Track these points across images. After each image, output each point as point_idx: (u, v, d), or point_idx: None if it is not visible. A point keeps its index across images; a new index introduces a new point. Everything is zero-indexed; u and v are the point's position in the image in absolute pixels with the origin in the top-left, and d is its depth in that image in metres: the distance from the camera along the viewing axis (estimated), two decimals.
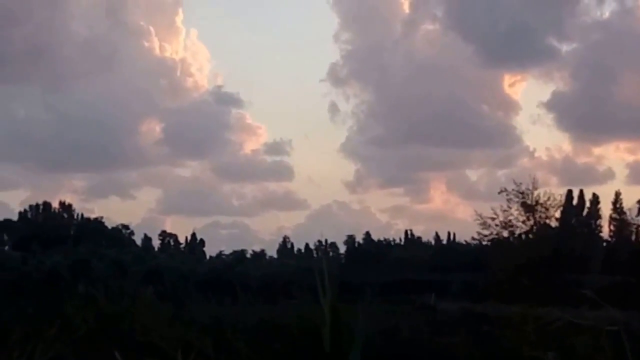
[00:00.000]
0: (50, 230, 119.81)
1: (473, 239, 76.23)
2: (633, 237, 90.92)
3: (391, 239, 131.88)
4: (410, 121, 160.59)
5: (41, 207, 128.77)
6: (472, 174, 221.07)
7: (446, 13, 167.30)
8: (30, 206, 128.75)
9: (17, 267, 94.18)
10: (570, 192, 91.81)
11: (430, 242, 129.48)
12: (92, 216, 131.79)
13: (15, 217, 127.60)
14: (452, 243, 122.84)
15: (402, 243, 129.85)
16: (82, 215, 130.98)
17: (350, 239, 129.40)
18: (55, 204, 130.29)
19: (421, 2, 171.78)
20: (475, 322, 41.28)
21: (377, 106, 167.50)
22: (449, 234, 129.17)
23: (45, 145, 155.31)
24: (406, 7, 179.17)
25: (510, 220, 68.10)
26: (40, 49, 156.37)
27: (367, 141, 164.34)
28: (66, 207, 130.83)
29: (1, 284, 75.83)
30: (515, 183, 67.35)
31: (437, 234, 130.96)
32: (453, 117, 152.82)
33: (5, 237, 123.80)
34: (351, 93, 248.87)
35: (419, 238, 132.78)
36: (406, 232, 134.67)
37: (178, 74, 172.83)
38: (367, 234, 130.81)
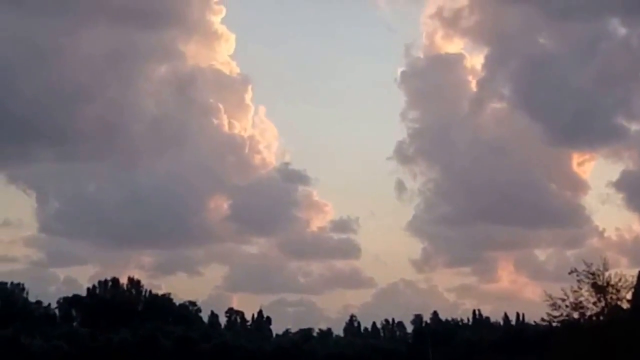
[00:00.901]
0: (118, 306, 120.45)
1: (542, 320, 75.02)
2: None
3: (459, 318, 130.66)
4: (477, 200, 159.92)
5: (110, 283, 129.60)
6: (541, 254, 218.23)
7: (513, 92, 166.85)
8: (99, 282, 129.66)
9: (85, 343, 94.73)
10: None
11: (499, 323, 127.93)
12: (160, 292, 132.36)
13: (84, 293, 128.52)
14: (521, 324, 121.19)
15: (470, 323, 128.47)
16: (149, 291, 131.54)
17: (418, 319, 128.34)
18: (123, 280, 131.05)
19: (488, 81, 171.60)
20: None
21: (444, 184, 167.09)
22: (517, 314, 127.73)
23: (114, 222, 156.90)
24: (473, 86, 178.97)
25: (580, 302, 66.83)
26: (111, 126, 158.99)
27: (434, 219, 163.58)
28: (134, 283, 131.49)
29: (70, 359, 76.22)
30: (585, 263, 66.13)
31: (505, 314, 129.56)
32: (521, 196, 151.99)
33: (74, 313, 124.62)
34: (418, 171, 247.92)
35: (487, 318, 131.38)
36: (474, 311, 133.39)
37: (246, 151, 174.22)
38: (435, 313, 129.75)
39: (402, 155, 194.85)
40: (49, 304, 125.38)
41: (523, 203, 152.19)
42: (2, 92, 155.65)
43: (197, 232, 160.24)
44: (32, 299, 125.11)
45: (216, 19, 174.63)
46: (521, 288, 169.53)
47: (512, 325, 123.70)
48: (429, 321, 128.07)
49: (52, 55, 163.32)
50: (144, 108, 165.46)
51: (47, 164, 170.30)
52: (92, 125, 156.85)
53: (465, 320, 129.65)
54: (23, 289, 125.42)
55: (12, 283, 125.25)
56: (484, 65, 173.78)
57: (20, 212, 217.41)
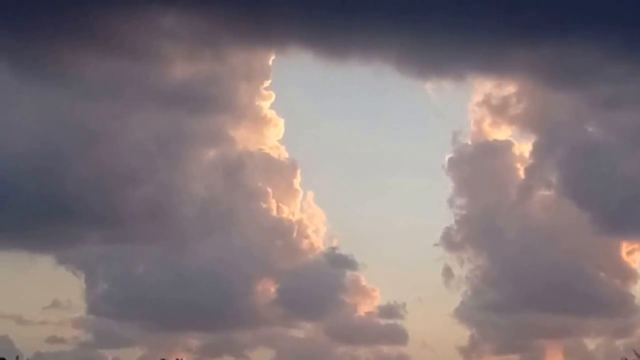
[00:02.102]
0: None
1: None
2: None
3: None
4: (525, 287, 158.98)
5: None
6: (590, 343, 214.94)
7: (561, 179, 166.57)
8: None
9: None
10: None
11: None
12: None
13: None
14: None
15: None
16: None
17: None
18: None
19: (536, 168, 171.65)
20: None
21: (491, 271, 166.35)
22: None
23: (162, 304, 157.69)
24: (521, 173, 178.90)
25: None
26: (160, 209, 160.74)
27: (481, 306, 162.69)
28: None
29: None
30: (635, 353, 66.55)
31: None
32: (569, 284, 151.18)
33: None
34: (465, 257, 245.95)
35: None
36: None
37: (294, 235, 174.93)
38: None
39: (449, 241, 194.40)
40: None
41: (572, 291, 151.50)
42: (53, 174, 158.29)
43: (244, 316, 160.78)
44: None
45: (265, 104, 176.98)
46: None
47: None
48: None
49: (102, 139, 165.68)
50: (192, 192, 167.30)
51: (96, 246, 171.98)
52: (141, 208, 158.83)
53: None
54: None
55: None
56: (532, 153, 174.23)
57: (69, 293, 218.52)
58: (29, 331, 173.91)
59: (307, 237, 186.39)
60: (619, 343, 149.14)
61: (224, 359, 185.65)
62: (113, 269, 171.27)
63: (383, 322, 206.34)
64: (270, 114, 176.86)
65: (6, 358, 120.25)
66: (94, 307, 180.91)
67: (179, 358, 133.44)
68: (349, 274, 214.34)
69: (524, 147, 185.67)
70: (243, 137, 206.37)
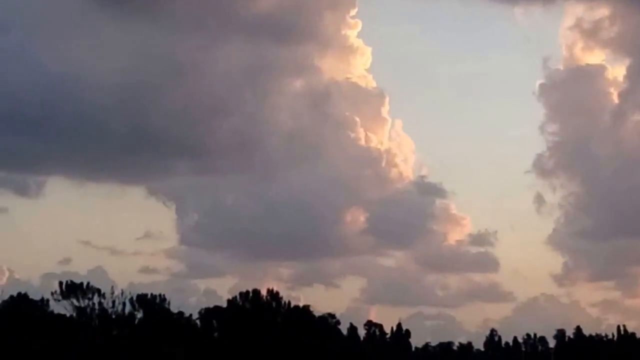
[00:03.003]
0: (258, 317, 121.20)
1: None
2: None
3: (603, 334, 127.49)
4: (619, 213, 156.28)
5: (250, 294, 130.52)
6: None
7: None
8: (240, 293, 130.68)
9: (226, 353, 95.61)
10: None
11: None
12: (299, 304, 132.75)
13: (223, 304, 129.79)
14: None
15: (614, 339, 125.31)
16: (289, 303, 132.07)
17: (560, 334, 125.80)
18: (263, 292, 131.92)
19: (630, 92, 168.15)
20: None
21: (585, 198, 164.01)
22: None
23: (252, 234, 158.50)
24: (615, 97, 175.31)
25: None
26: (248, 140, 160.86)
27: (575, 233, 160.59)
28: (274, 295, 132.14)
29: None
30: None
31: None
32: None
33: (215, 324, 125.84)
34: (558, 184, 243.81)
35: (633, 334, 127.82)
36: (618, 327, 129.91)
37: (383, 164, 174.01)
38: (578, 328, 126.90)
39: (541, 168, 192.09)
40: (191, 315, 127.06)
41: None
42: (142, 107, 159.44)
43: (334, 245, 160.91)
44: (173, 309, 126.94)
45: (352, 33, 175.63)
46: None
47: None
48: (572, 336, 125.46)
49: (190, 71, 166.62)
50: (280, 122, 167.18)
51: (186, 177, 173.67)
52: (229, 139, 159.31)
53: (610, 336, 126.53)
54: (165, 299, 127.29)
55: (152, 294, 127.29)
56: (626, 77, 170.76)
57: (161, 224, 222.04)
58: (123, 262, 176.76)
59: (395, 165, 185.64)
60: None
61: (315, 287, 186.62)
62: (203, 200, 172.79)
63: (474, 250, 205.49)
64: (357, 42, 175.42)
65: (101, 289, 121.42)
66: (186, 238, 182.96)
67: (270, 287, 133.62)
68: (438, 202, 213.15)
69: (617, 71, 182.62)
70: (330, 67, 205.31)
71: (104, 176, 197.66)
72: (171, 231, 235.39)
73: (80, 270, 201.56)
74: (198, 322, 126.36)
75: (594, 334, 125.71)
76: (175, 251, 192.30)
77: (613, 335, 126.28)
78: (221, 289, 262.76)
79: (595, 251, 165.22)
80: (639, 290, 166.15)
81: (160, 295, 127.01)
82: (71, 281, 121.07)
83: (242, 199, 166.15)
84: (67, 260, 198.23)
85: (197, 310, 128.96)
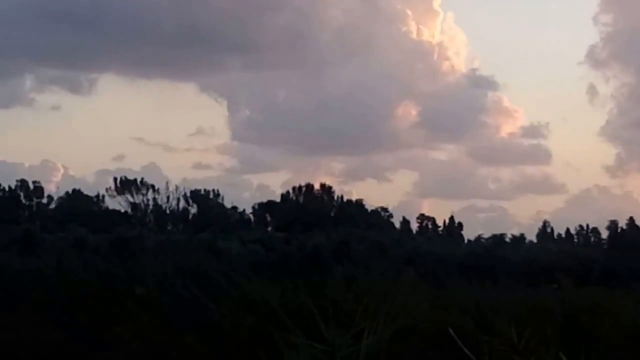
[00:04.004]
0: (311, 211, 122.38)
1: None
2: None
3: None
4: None
5: (303, 189, 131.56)
6: None
7: None
8: (293, 188, 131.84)
9: (280, 247, 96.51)
10: None
11: None
12: (351, 198, 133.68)
13: (276, 199, 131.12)
14: None
15: None
16: (341, 197, 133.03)
17: (613, 225, 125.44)
18: (316, 186, 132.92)
19: None
20: None
21: (638, 88, 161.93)
22: None
23: (304, 129, 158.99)
24: None
25: None
26: (298, 35, 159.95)
27: (628, 124, 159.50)
28: (326, 189, 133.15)
29: (266, 263, 77.58)
30: None
31: None
32: None
33: (269, 218, 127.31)
34: (611, 75, 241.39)
35: None
36: None
37: (435, 57, 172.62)
38: (631, 219, 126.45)
39: (594, 59, 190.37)
40: (244, 210, 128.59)
41: None
42: (192, 3, 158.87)
43: (385, 139, 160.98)
44: (227, 204, 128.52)
45: None
46: None
47: None
48: (624, 227, 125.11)
49: None
50: (330, 17, 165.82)
51: (237, 73, 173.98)
52: (279, 34, 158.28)
53: None
54: (218, 194, 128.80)
55: (206, 190, 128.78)
56: None
57: (212, 120, 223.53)
58: (175, 158, 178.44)
59: (447, 59, 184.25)
60: None
61: (367, 182, 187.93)
62: (254, 95, 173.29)
63: (526, 142, 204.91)
64: None
65: (155, 184, 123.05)
66: (238, 134, 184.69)
67: (323, 182, 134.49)
68: (490, 94, 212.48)
69: None
70: None
71: (155, 73, 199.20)
72: (223, 127, 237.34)
73: (133, 166, 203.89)
74: (252, 216, 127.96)
75: None
76: (227, 147, 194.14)
77: None
78: (274, 184, 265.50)
79: None
80: None
81: (213, 190, 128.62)
82: (125, 177, 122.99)
83: (294, 94, 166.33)
84: (120, 157, 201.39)
85: (251, 205, 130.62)
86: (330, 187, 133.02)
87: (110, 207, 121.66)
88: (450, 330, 3.48)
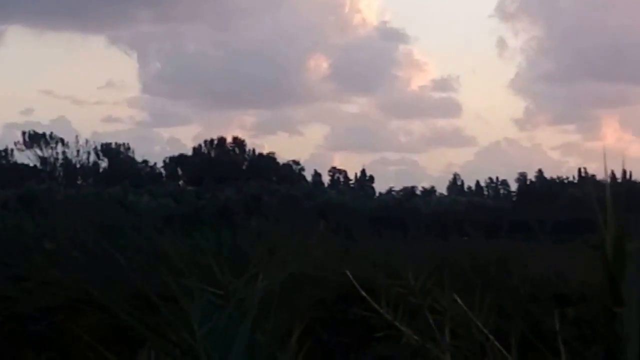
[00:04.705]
0: (223, 165, 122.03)
1: None
2: None
3: (564, 176, 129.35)
4: (581, 56, 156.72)
5: (215, 142, 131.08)
6: None
7: None
8: (205, 141, 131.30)
9: (191, 201, 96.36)
10: None
11: (605, 180, 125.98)
12: (263, 152, 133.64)
13: (187, 152, 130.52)
14: (627, 181, 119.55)
15: (575, 181, 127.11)
16: (253, 150, 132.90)
17: (522, 177, 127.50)
18: (229, 140, 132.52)
19: None
20: None
21: (547, 41, 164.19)
22: (624, 172, 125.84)
23: (214, 82, 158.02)
24: None
25: None
26: None
27: (536, 77, 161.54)
28: (239, 143, 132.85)
29: (177, 217, 77.24)
30: None
31: (612, 172, 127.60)
32: (627, 50, 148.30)
33: (180, 172, 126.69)
34: (520, 28, 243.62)
35: (593, 176, 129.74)
36: (579, 170, 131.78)
37: (346, 10, 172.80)
38: (540, 171, 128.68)
39: (503, 12, 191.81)
40: (155, 164, 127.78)
41: (629, 58, 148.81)
42: None
43: (296, 92, 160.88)
44: (137, 158, 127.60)
45: None
46: (627, 146, 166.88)
47: (619, 183, 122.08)
48: (533, 179, 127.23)
49: None
50: None
51: (146, 25, 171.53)
52: None
53: (571, 178, 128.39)
54: (129, 148, 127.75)
55: (117, 143, 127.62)
56: None
57: (122, 74, 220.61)
58: (85, 112, 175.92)
59: (359, 11, 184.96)
60: None
61: (278, 135, 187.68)
62: (165, 48, 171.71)
63: (437, 95, 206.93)
64: None
65: (64, 138, 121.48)
66: (148, 87, 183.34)
67: (236, 136, 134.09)
68: (401, 47, 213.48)
69: None
70: None
71: (63, 25, 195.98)
72: (133, 80, 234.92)
73: (42, 120, 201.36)
74: (163, 170, 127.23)
75: (555, 176, 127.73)
76: (138, 100, 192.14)
77: (574, 177, 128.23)
78: (185, 137, 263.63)
79: (557, 95, 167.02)
80: (599, 133, 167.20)
81: (124, 144, 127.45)
82: (34, 131, 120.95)
83: (204, 47, 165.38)
84: (29, 111, 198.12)
85: (162, 159, 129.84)
86: (242, 141, 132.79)
87: (19, 162, 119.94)
88: (348, 273, 3.52)
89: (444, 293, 2.77)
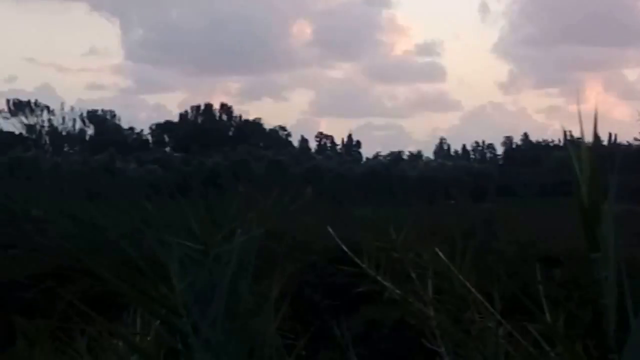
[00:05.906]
0: (209, 131, 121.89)
1: (635, 139, 74.43)
2: None
3: (549, 139, 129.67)
4: (564, 20, 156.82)
5: (202, 108, 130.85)
6: (630, 74, 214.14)
7: None
8: (192, 107, 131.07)
9: (178, 167, 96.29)
10: None
11: (590, 143, 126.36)
12: (249, 118, 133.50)
13: (173, 119, 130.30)
14: (612, 144, 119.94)
15: (560, 144, 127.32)
16: (240, 116, 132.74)
17: (508, 140, 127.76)
18: (215, 106, 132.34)
19: None
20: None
21: (529, 5, 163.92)
22: (609, 134, 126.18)
23: (199, 49, 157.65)
24: None
25: None
26: None
27: (519, 41, 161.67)
28: (225, 109, 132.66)
29: (165, 184, 77.12)
30: None
31: (596, 133, 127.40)
32: (610, 14, 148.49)
33: (167, 139, 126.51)
34: None
35: (579, 139, 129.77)
36: (564, 132, 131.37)
37: None
38: (525, 135, 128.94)
39: None
40: (142, 130, 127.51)
41: (612, 21, 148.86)
42: None
43: (281, 58, 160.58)
44: (124, 125, 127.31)
45: None
46: (610, 108, 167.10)
47: (604, 145, 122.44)
48: (519, 143, 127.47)
49: None
50: None
51: None
52: None
53: (556, 141, 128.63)
54: (114, 115, 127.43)
55: (103, 110, 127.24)
56: None
57: (105, 40, 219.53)
58: (69, 79, 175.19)
59: None
60: None
61: (263, 101, 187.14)
62: (147, 14, 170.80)
63: (420, 60, 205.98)
64: None
65: (49, 105, 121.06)
66: (131, 53, 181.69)
67: (223, 102, 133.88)
68: (385, 12, 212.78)
69: None
70: None
71: None
72: (116, 47, 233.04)
73: (26, 87, 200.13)
74: (149, 137, 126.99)
75: (540, 139, 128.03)
76: (122, 67, 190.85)
77: (559, 140, 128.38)
78: (170, 104, 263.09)
79: (540, 58, 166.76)
80: (583, 97, 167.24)
81: (110, 111, 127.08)
82: (18, 99, 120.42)
83: (187, 12, 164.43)
84: (12, 78, 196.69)
85: (148, 126, 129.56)
86: (229, 107, 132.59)
87: (5, 130, 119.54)
88: (330, 229, 3.55)
89: (426, 247, 2.80)
